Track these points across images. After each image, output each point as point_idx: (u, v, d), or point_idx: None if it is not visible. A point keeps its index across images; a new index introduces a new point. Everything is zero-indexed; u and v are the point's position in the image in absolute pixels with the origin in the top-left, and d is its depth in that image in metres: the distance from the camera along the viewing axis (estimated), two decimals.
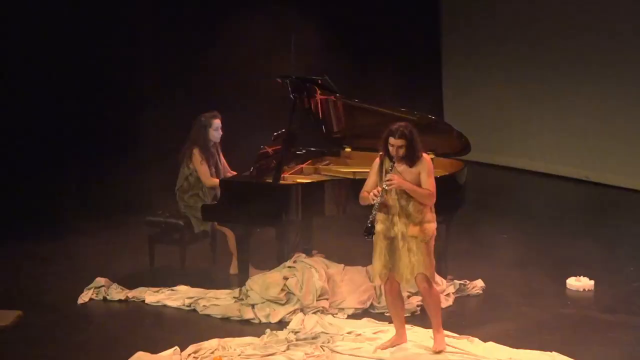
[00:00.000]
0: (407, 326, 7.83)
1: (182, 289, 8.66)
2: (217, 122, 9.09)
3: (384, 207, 7.07)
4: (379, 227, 7.13)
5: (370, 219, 6.97)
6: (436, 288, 7.30)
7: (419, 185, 7.05)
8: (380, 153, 7.19)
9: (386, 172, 7.06)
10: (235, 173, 9.19)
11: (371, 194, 7.00)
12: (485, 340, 7.47)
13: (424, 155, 7.13)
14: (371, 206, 7.00)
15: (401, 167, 7.07)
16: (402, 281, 7.18)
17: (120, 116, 11.56)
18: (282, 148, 8.71)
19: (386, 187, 6.99)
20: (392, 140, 7.02)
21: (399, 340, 7.38)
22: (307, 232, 9.37)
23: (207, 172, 9.03)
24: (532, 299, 8.50)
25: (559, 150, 13.25)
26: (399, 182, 6.98)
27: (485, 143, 13.29)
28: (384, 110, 9.07)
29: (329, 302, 8.21)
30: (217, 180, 9.02)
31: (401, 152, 7.02)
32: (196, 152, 9.04)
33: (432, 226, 7.11)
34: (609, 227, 10.87)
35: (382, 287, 7.48)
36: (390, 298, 7.33)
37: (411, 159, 7.05)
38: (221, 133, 9.13)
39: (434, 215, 7.16)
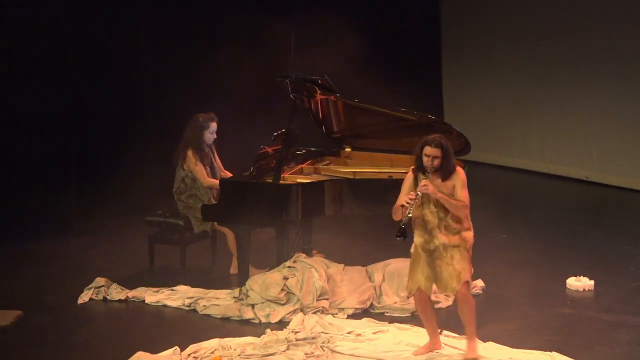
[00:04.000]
0: (407, 326, 7.86)
1: (182, 289, 8.66)
2: (213, 125, 9.07)
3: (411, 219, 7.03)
4: (417, 240, 7.10)
5: (404, 221, 6.90)
6: (471, 296, 7.21)
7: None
8: (412, 167, 7.13)
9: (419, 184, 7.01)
10: (229, 174, 9.17)
11: (405, 198, 6.95)
12: (485, 340, 7.47)
13: (458, 167, 7.10)
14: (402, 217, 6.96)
15: (435, 181, 7.01)
16: (448, 291, 7.11)
17: (120, 116, 11.55)
18: (282, 148, 8.71)
19: (419, 193, 6.92)
20: (428, 149, 6.96)
21: (432, 347, 7.32)
22: (307, 232, 9.37)
23: (203, 172, 9.02)
24: (532, 299, 8.50)
25: (558, 150, 13.25)
26: (433, 189, 6.94)
27: (485, 143, 13.30)
28: (384, 110, 9.07)
29: (329, 302, 8.21)
30: (215, 180, 9.01)
31: (436, 162, 6.97)
32: (190, 154, 9.02)
33: (471, 234, 7.10)
34: (609, 227, 10.87)
35: (413, 298, 7.36)
36: (421, 307, 7.25)
37: (446, 170, 7.00)
38: (215, 137, 9.11)
39: (471, 223, 7.14)
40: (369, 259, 8.96)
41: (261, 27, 11.88)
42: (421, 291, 7.16)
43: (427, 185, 6.93)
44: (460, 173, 7.06)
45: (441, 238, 7.04)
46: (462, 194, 7.01)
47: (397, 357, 7.27)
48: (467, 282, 7.08)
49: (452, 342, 7.47)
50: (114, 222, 10.82)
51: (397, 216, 7.05)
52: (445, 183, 7.03)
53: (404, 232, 6.91)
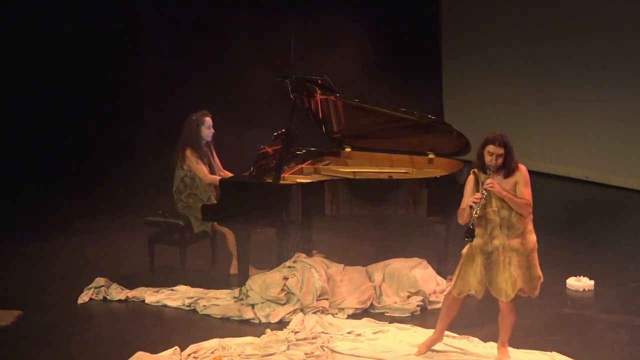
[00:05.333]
0: (407, 326, 7.86)
1: (182, 289, 8.66)
2: (208, 120, 9.07)
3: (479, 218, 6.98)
4: (476, 241, 7.01)
5: (472, 222, 6.86)
6: (515, 309, 7.11)
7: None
8: (473, 170, 7.07)
9: (482, 184, 6.94)
10: (228, 173, 9.17)
11: (470, 199, 6.91)
12: (485, 340, 7.48)
13: (520, 165, 7.04)
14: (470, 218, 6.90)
15: (497, 178, 6.95)
16: (502, 296, 7.01)
17: (120, 116, 11.55)
18: (282, 148, 8.71)
19: (485, 191, 6.87)
20: (491, 148, 6.91)
21: (435, 341, 7.31)
22: (307, 232, 9.37)
23: (204, 169, 9.02)
24: (532, 299, 8.48)
25: (558, 150, 13.25)
26: (498, 187, 6.89)
27: None
28: (384, 110, 9.07)
29: (329, 302, 8.21)
30: (216, 177, 9.01)
31: (500, 160, 6.92)
32: (189, 153, 9.02)
33: (532, 237, 6.99)
34: (609, 227, 10.87)
35: (445, 295, 7.33)
36: (449, 304, 7.22)
37: (508, 168, 6.95)
38: (212, 131, 9.11)
39: (532, 225, 7.03)
40: (369, 259, 8.96)
41: (262, 27, 11.88)
42: (477, 295, 7.09)
43: (493, 183, 6.89)
44: (523, 171, 6.99)
45: (501, 238, 6.94)
46: (526, 191, 6.93)
47: (397, 357, 7.27)
48: (521, 291, 6.98)
49: (452, 342, 7.47)
50: (114, 222, 10.82)
51: (462, 219, 6.98)
52: (507, 180, 6.95)
53: (472, 232, 6.88)
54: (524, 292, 7.04)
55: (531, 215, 7.02)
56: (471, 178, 7.07)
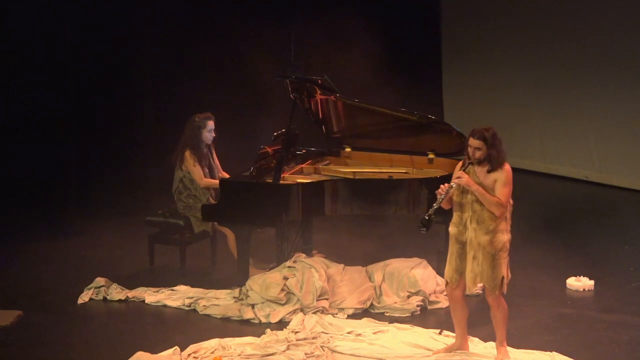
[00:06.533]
0: (407, 326, 7.84)
1: (182, 289, 8.66)
2: (210, 124, 9.07)
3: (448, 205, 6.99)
4: (452, 230, 7.02)
5: (429, 212, 6.85)
6: (504, 302, 7.06)
7: (493, 192, 6.90)
8: (464, 157, 7.07)
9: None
10: (227, 175, 9.17)
11: (439, 189, 6.90)
12: (485, 340, 7.47)
13: (507, 165, 6.96)
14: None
15: (480, 170, 6.94)
16: (469, 290, 7.10)
17: (121, 116, 11.55)
18: (282, 148, 8.71)
19: (453, 184, 6.88)
20: (470, 140, 6.90)
21: (457, 347, 7.23)
22: (307, 232, 9.37)
23: (200, 173, 9.02)
24: (532, 299, 8.50)
25: (558, 150, 13.25)
26: (467, 180, 6.87)
27: None
28: (384, 110, 9.07)
29: (329, 302, 8.21)
30: (211, 181, 9.02)
31: (478, 154, 6.89)
32: (188, 155, 9.03)
33: (503, 237, 6.93)
34: (608, 227, 10.87)
35: (447, 291, 7.29)
36: (452, 304, 7.20)
37: (494, 162, 6.90)
38: (214, 135, 9.12)
39: (508, 226, 6.99)
40: (369, 259, 8.95)
41: (262, 27, 11.88)
42: (454, 288, 7.08)
43: (462, 176, 6.88)
44: (506, 170, 6.92)
45: (471, 232, 6.93)
46: (502, 191, 6.87)
47: (397, 357, 7.26)
48: (490, 288, 6.93)
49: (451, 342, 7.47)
50: (114, 222, 10.81)
51: (444, 205, 6.99)
52: (490, 175, 6.92)
53: (427, 223, 6.83)
54: (486, 289, 6.99)
55: (507, 216, 6.97)
56: (459, 165, 7.05)
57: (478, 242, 6.93)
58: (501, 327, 7.12)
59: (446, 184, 6.92)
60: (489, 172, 6.93)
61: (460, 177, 6.89)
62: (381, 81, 11.52)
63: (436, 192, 6.92)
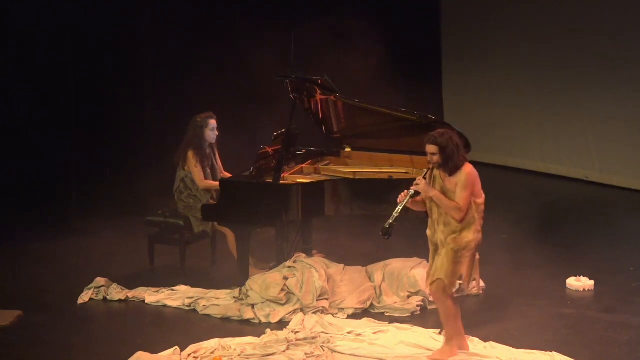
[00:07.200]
0: (407, 326, 7.84)
1: (182, 289, 8.66)
2: (212, 123, 9.08)
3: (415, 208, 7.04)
4: (428, 232, 7.06)
5: (390, 221, 6.86)
6: (451, 301, 7.04)
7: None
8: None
9: (432, 179, 6.97)
10: (229, 175, 9.17)
11: (400, 195, 6.92)
12: (485, 340, 7.47)
13: (466, 167, 6.92)
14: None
15: (444, 174, 6.94)
16: (425, 282, 7.16)
17: (121, 116, 11.55)
18: (282, 148, 8.71)
19: (412, 191, 6.90)
20: (426, 146, 6.90)
21: (447, 354, 7.12)
22: (307, 232, 9.37)
23: (201, 174, 9.02)
24: (532, 299, 8.50)
25: (558, 150, 13.25)
26: (424, 186, 6.89)
27: (485, 143, 13.29)
28: (384, 110, 9.07)
29: (329, 302, 8.21)
30: (211, 183, 9.01)
31: (435, 158, 6.88)
32: (190, 155, 9.03)
33: (467, 236, 6.91)
34: (608, 227, 10.87)
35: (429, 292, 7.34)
36: (435, 303, 7.26)
37: (447, 168, 6.89)
38: (217, 134, 9.12)
39: (478, 227, 6.97)
40: (369, 259, 8.96)
41: (262, 27, 11.88)
42: (428, 283, 7.10)
43: (419, 182, 6.91)
44: (464, 173, 6.89)
45: (439, 234, 6.98)
46: (461, 195, 6.87)
47: (397, 357, 7.26)
48: (441, 282, 6.93)
49: None
50: (114, 222, 10.81)
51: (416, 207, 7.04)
52: (451, 179, 6.93)
53: (387, 231, 6.86)
54: (443, 283, 6.94)
55: (477, 216, 6.94)
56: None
57: (446, 242, 6.96)
58: (445, 324, 7.13)
59: (406, 191, 6.94)
60: (450, 175, 6.93)
61: (418, 183, 6.90)
62: (381, 81, 11.52)
63: (398, 200, 6.93)
